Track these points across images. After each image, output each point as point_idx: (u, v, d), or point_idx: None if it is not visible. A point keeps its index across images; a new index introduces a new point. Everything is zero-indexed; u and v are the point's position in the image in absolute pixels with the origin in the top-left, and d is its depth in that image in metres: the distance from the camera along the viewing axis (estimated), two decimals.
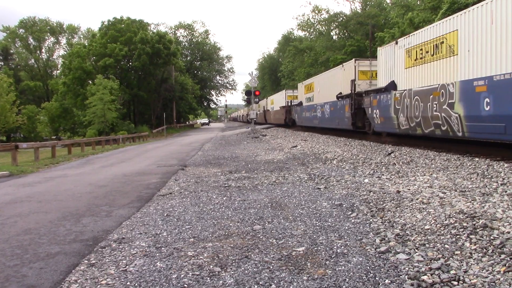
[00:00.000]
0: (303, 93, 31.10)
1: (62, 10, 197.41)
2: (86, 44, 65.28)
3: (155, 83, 61.80)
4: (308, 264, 4.48)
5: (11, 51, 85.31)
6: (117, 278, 4.34)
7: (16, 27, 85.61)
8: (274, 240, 5.34)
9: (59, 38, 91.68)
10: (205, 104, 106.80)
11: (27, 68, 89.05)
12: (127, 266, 4.66)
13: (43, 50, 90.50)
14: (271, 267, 4.43)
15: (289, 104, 37.54)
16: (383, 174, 9.84)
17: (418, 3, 43.76)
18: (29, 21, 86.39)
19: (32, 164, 18.29)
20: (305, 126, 32.15)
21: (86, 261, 4.92)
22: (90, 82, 52.38)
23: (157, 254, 5.01)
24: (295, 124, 36.15)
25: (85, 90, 49.71)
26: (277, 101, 45.34)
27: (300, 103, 32.23)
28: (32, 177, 13.75)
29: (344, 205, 7.06)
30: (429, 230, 5.26)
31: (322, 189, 8.62)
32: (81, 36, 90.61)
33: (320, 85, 26.95)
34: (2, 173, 14.52)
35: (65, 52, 78.37)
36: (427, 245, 4.80)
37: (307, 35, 71.63)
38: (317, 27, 65.59)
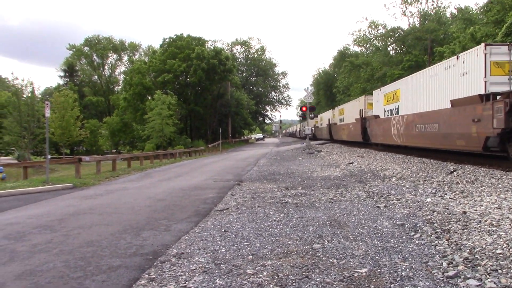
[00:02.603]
0: None
1: (124, 27, 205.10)
2: (147, 60, 67.46)
3: (211, 98, 62.86)
4: (372, 286, 4.31)
5: (76, 67, 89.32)
6: None
7: (81, 45, 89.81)
8: (335, 260, 5.20)
9: (121, 55, 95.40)
10: (260, 119, 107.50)
11: (90, 84, 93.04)
12: (186, 282, 4.65)
13: (106, 67, 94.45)
14: None
15: None
16: (446, 193, 9.45)
17: (481, 16, 42.44)
18: (94, 39, 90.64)
19: (94, 176, 18.90)
20: None
21: (147, 276, 4.96)
22: (149, 97, 53.93)
23: (216, 271, 4.97)
24: None
25: (145, 105, 51.21)
26: (418, 89, 19.49)
27: None
28: (93, 190, 14.19)
29: (406, 225, 6.80)
30: (501, 255, 4.95)
31: (382, 208, 8.36)
32: (142, 53, 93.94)
33: None
34: (66, 185, 15.09)
35: (126, 69, 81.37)
36: (499, 271, 4.52)
37: (363, 50, 70.90)
38: (374, 42, 64.80)
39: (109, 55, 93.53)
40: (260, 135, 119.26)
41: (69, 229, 7.65)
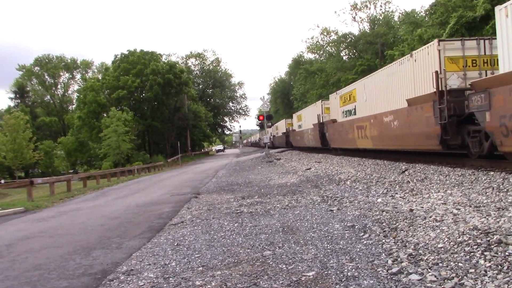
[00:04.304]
0: None
1: (75, 45, 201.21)
2: (100, 77, 66.41)
3: (168, 112, 62.37)
4: None
5: (27, 88, 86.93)
6: None
7: (31, 65, 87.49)
8: (284, 266, 5.23)
9: (74, 73, 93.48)
10: (219, 130, 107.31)
11: (43, 105, 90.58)
12: None
13: (58, 86, 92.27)
14: None
15: None
16: (396, 193, 9.68)
17: (426, 19, 43.88)
18: (44, 58, 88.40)
19: (47, 199, 18.41)
20: None
21: None
22: (104, 115, 53.05)
23: (165, 285, 4.93)
24: None
25: (100, 123, 50.32)
26: None
27: None
28: (46, 212, 13.82)
29: (356, 226, 6.92)
30: (442, 249, 5.11)
31: (334, 211, 8.48)
32: (95, 70, 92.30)
33: None
34: (17, 209, 14.61)
35: (79, 87, 79.69)
36: (440, 264, 4.66)
37: (317, 57, 72.04)
38: (327, 48, 65.94)
39: (61, 74, 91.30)
40: (220, 147, 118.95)
41: (17, 254, 7.42)
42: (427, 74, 13.74)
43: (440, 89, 12.90)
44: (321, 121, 29.38)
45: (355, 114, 21.69)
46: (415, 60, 14.79)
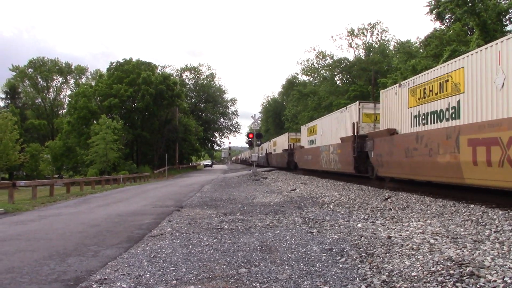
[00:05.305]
0: None
1: (72, 49, 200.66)
2: (93, 84, 66.26)
3: (158, 123, 62.26)
4: None
5: (19, 90, 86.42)
6: None
7: (25, 67, 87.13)
8: (258, 284, 5.23)
9: (67, 78, 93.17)
10: (208, 145, 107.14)
11: (33, 107, 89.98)
12: None
13: (50, 90, 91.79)
14: None
15: None
16: (377, 219, 9.73)
17: (421, 50, 44.55)
18: (38, 61, 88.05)
19: (29, 202, 18.23)
20: None
21: None
22: (94, 121, 52.78)
23: None
24: None
25: (89, 129, 50.02)
26: None
27: None
28: (26, 215, 13.67)
29: (334, 250, 6.94)
30: (415, 277, 5.14)
31: (314, 233, 8.49)
32: (90, 77, 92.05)
33: None
34: None
35: (72, 92, 79.34)
36: None
37: (311, 79, 72.61)
38: (321, 72, 66.53)
39: (54, 77, 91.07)
40: (208, 162, 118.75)
41: None
42: None
43: None
44: (358, 133, 19.20)
45: (457, 117, 11.76)
46: None
